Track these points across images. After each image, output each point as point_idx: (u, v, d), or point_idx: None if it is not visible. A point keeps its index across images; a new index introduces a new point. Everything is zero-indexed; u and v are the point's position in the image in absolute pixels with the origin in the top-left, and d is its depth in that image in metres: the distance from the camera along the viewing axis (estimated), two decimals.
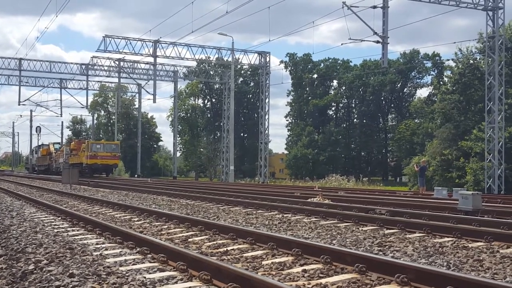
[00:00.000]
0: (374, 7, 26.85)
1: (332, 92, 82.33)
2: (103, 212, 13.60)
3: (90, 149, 47.61)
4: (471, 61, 39.67)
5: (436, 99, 51.84)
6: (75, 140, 58.03)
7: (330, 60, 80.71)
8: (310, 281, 5.52)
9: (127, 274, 5.73)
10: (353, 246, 7.89)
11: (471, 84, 39.18)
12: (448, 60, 55.82)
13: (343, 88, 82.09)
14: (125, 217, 12.18)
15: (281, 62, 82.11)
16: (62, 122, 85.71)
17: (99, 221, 10.00)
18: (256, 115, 71.29)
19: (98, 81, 65.43)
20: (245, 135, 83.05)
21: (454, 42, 70.67)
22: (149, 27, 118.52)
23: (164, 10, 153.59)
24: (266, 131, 49.91)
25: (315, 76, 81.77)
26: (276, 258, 6.84)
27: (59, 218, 11.82)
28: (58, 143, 68.00)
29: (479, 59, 38.97)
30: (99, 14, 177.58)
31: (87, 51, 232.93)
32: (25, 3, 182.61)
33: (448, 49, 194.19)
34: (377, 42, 27.24)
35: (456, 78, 40.61)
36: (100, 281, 5.42)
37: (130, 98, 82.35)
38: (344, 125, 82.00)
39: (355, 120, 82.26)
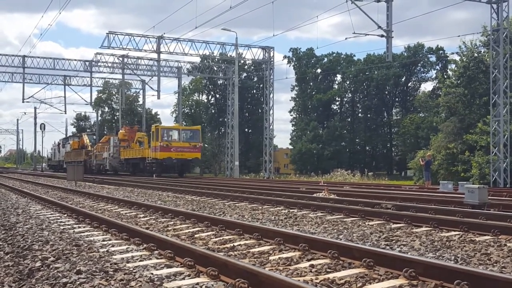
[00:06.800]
0: (378, 0, 26.79)
1: (336, 87, 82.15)
2: (109, 208, 13.61)
3: (161, 137, 35.84)
4: (476, 55, 39.45)
5: (440, 92, 51.62)
6: (125, 128, 46.87)
7: (333, 55, 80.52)
8: (317, 276, 5.50)
9: (134, 271, 5.72)
10: (360, 240, 7.87)
11: (476, 78, 38.96)
12: (452, 53, 55.61)
13: (347, 82, 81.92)
14: (130, 214, 12.19)
15: (285, 57, 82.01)
16: (66, 119, 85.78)
17: (105, 218, 10.00)
18: (260, 110, 71.18)
19: (102, 78, 65.41)
20: (250, 131, 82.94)
21: (458, 36, 70.41)
22: (148, 22, 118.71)
23: (163, 5, 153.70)
24: (271, 126, 49.89)
25: (319, 70, 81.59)
26: (283, 253, 6.83)
27: (65, 215, 11.84)
28: (93, 133, 63.23)
29: (484, 52, 38.76)
30: (96, 10, 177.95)
31: (86, 47, 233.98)
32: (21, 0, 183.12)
33: (450, 42, 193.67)
34: (382, 36, 27.19)
35: (461, 71, 40.38)
36: (108, 277, 5.41)
37: (134, 94, 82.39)
38: (349, 120, 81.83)
39: (359, 114, 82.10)
